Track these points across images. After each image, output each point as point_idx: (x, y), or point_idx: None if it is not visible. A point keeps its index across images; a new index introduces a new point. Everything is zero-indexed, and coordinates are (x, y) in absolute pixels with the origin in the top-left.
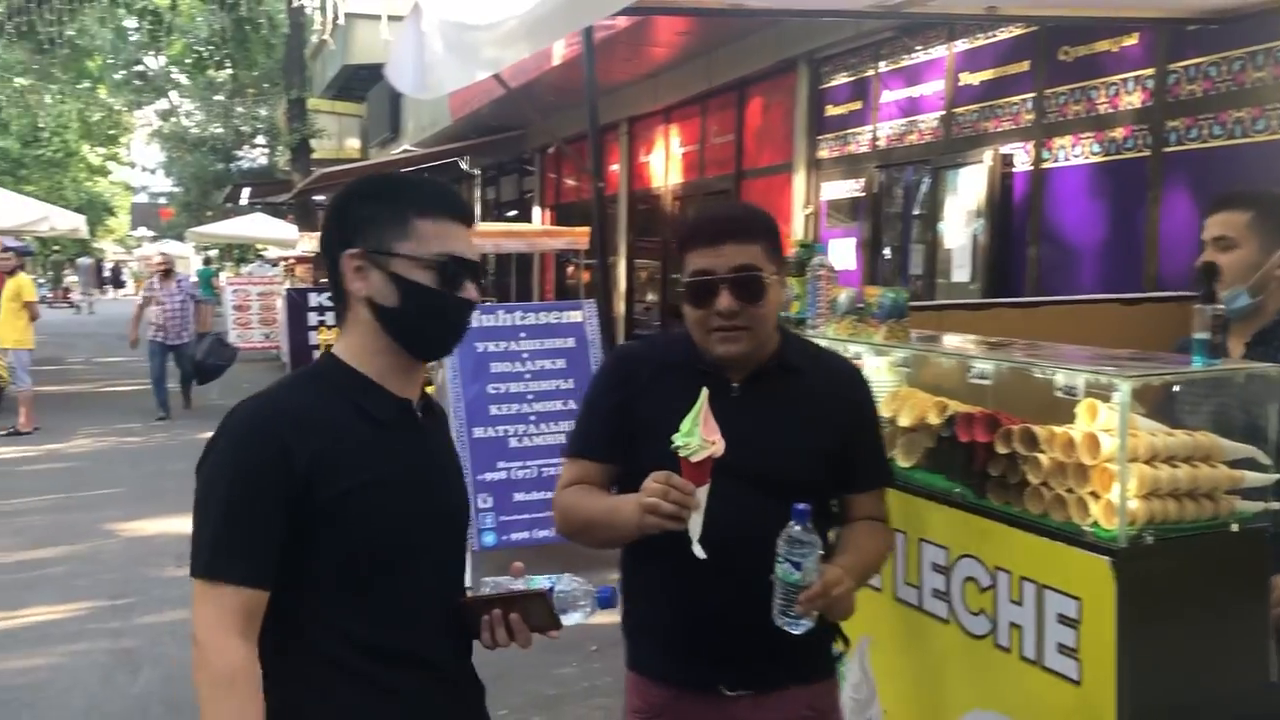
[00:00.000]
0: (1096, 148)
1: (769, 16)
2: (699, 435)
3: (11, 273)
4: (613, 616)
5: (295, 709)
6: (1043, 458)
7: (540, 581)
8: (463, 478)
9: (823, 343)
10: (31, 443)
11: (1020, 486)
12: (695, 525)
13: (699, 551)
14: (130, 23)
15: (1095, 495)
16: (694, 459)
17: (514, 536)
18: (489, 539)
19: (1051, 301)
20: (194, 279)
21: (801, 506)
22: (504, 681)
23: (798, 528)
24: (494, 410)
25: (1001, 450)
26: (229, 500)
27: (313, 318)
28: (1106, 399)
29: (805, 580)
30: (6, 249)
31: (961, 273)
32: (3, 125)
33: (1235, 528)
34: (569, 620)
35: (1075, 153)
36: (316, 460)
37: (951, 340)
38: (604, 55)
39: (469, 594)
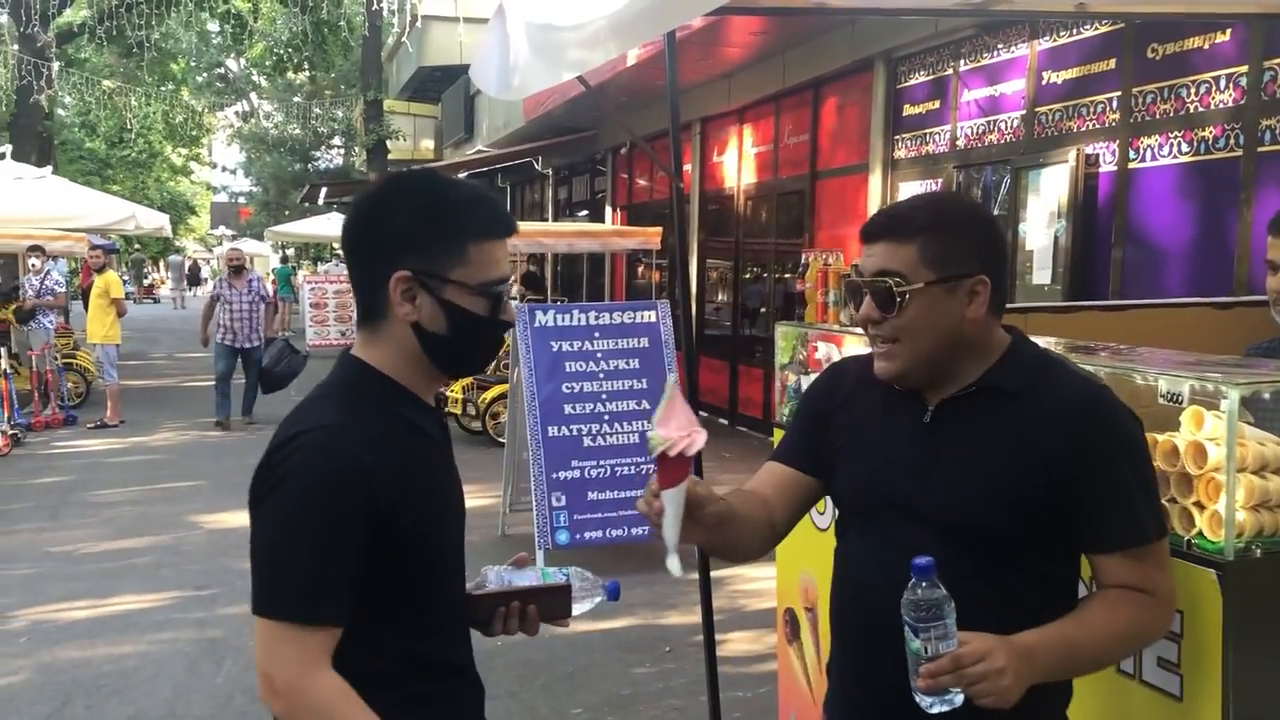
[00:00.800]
0: (1186, 147)
1: (852, 15)
2: (656, 430)
3: (100, 270)
4: (690, 617)
5: None
6: None
7: (553, 574)
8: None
9: None
10: (118, 435)
11: None
12: (668, 533)
13: (672, 567)
14: (213, 26)
15: (1200, 506)
16: (651, 455)
17: (588, 535)
18: (563, 537)
19: (1140, 305)
20: (271, 278)
21: (922, 561)
22: (578, 681)
23: (920, 586)
24: (568, 409)
25: None
26: (322, 537)
27: None
28: (1213, 406)
29: (927, 650)
30: (94, 247)
31: (1043, 274)
32: (91, 127)
33: None
34: (579, 610)
35: (1163, 152)
36: (397, 487)
37: (1039, 343)
38: (677, 56)
39: (479, 588)
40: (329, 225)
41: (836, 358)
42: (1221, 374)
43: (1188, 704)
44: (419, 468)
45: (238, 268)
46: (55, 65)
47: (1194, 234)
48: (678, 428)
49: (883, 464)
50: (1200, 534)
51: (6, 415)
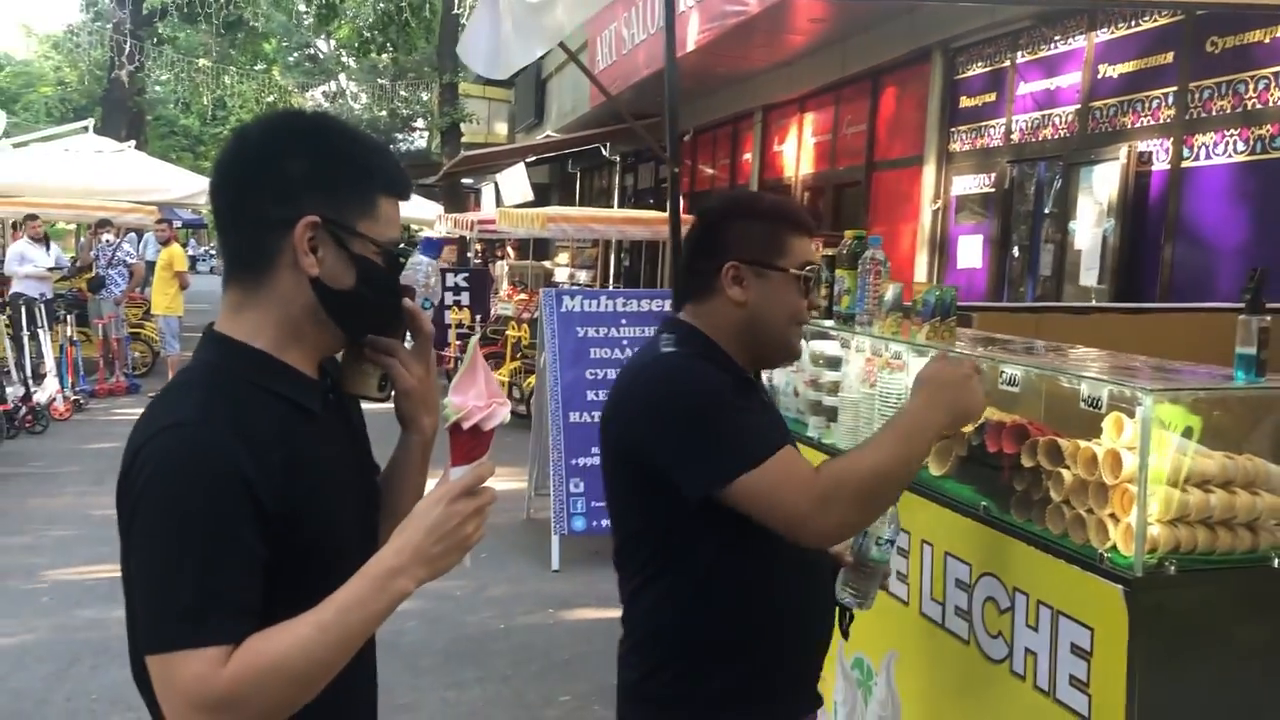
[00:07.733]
0: (1242, 145)
1: (907, 2)
2: (451, 397)
3: (165, 243)
4: None
5: None
6: (1066, 474)
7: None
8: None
9: (865, 341)
10: None
11: (1044, 503)
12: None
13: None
14: (302, 6)
15: (1115, 518)
16: (444, 425)
17: (604, 523)
18: (579, 524)
19: (1160, 309)
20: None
21: None
22: (573, 668)
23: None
24: (590, 396)
25: (1026, 463)
26: (204, 550)
27: (448, 297)
28: (1133, 413)
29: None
30: (161, 220)
31: (1090, 275)
32: (186, 104)
33: (1277, 563)
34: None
35: (1218, 150)
36: (270, 471)
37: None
38: (740, 41)
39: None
40: (408, 207)
41: (831, 350)
42: (1141, 379)
43: None
44: (302, 451)
45: None
46: (142, 43)
47: (1248, 236)
48: (476, 396)
49: None
50: (1113, 547)
51: (71, 381)
